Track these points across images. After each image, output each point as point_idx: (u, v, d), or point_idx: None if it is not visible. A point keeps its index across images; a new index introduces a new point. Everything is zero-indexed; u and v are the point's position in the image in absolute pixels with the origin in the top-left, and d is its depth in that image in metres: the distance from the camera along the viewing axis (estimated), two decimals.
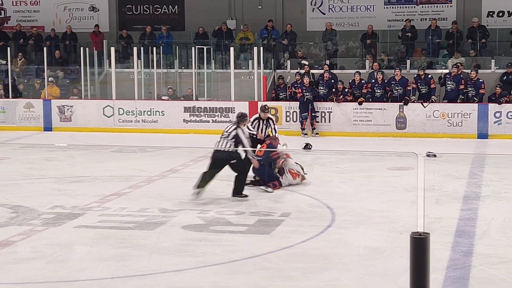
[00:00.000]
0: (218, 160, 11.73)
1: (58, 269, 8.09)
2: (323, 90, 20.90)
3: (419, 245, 5.25)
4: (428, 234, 5.24)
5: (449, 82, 20.18)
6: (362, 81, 20.70)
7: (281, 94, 21.78)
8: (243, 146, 11.78)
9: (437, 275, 7.46)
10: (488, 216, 10.47)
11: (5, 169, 15.10)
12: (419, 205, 5.65)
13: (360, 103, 20.24)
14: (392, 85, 20.43)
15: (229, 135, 11.82)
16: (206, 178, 11.69)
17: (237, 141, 11.75)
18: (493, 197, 11.91)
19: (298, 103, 20.48)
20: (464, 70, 20.61)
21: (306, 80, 20.48)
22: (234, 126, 11.92)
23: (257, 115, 13.97)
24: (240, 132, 11.82)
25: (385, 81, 20.58)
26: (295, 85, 20.83)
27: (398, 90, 20.25)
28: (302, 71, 21.60)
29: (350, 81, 20.98)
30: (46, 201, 11.60)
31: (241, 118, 12.08)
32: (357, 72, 21.11)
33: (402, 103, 19.95)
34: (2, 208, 11.20)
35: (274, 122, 13.97)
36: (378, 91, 20.44)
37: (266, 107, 14.05)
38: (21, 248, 9.01)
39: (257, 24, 24.69)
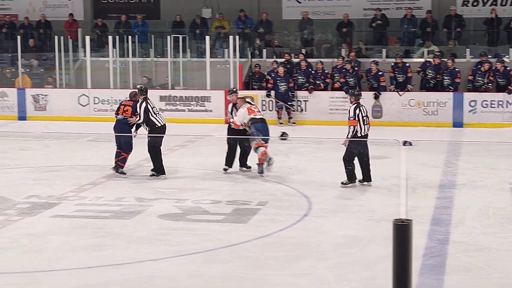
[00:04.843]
0: None
1: (34, 259, 8.05)
2: (301, 79, 20.87)
3: (402, 232, 5.27)
4: (410, 220, 5.26)
5: (429, 71, 20.29)
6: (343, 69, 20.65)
7: (255, 85, 21.63)
8: None
9: (413, 263, 7.45)
10: (463, 205, 10.54)
11: None
12: (402, 192, 5.66)
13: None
14: (368, 77, 20.49)
15: None
16: None
17: None
18: (468, 185, 11.99)
19: (273, 92, 20.46)
20: (441, 59, 20.68)
21: (280, 70, 20.43)
22: None
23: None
24: None
25: (356, 69, 20.62)
26: (271, 74, 20.75)
27: (373, 84, 20.32)
28: (280, 60, 21.54)
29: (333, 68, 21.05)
30: (22, 191, 11.52)
31: None
32: (339, 58, 21.06)
33: (377, 93, 20.02)
34: None
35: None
36: (351, 79, 20.44)
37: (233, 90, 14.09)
38: None
39: (232, 12, 24.57)
